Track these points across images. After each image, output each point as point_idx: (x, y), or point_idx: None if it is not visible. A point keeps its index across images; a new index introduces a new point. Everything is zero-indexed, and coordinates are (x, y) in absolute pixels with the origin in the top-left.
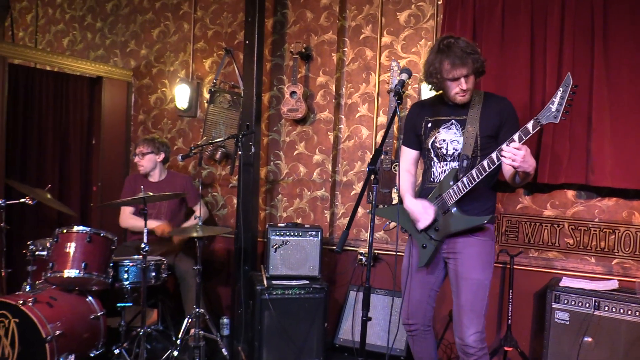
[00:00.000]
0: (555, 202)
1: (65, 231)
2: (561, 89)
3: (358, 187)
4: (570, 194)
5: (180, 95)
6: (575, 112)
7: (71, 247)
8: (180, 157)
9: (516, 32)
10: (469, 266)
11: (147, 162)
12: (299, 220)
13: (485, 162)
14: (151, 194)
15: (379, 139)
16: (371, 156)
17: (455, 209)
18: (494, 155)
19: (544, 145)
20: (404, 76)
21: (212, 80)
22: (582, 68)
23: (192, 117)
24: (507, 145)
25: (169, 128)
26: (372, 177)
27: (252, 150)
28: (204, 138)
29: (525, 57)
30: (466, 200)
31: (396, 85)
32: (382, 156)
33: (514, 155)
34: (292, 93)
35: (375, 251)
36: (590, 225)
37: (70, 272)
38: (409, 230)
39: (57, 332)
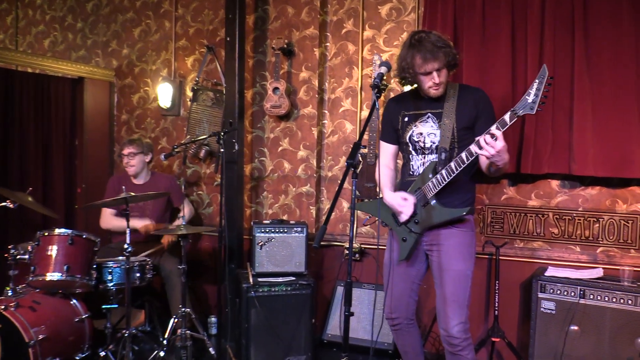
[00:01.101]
0: (540, 192)
1: (46, 234)
2: (537, 81)
3: (346, 183)
4: (554, 183)
5: (163, 94)
6: (557, 103)
7: (53, 250)
8: (163, 156)
9: (497, 24)
10: (451, 258)
11: (137, 162)
12: (284, 217)
13: (463, 155)
14: (133, 194)
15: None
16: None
17: (434, 201)
18: (472, 147)
19: (526, 136)
20: (383, 69)
21: (194, 78)
22: (563, 60)
23: (176, 116)
24: (483, 137)
25: (153, 127)
26: (352, 171)
27: (236, 147)
28: (188, 137)
29: (506, 49)
30: (445, 193)
31: (375, 78)
32: (366, 150)
33: (490, 147)
34: (275, 89)
35: (363, 246)
36: (574, 215)
37: (52, 275)
38: (389, 224)
39: (41, 337)
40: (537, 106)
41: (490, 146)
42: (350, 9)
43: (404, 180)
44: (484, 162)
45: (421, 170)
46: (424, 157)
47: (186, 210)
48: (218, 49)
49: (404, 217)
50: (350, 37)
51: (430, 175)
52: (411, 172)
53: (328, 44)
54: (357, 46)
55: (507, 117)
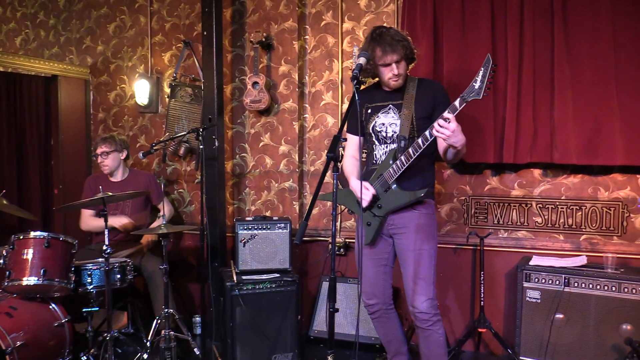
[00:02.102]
0: (523, 182)
1: (21, 237)
2: (482, 69)
3: (327, 177)
4: (537, 172)
5: (140, 91)
6: (538, 91)
7: (28, 254)
8: (141, 154)
9: (477, 13)
10: (413, 239)
11: (112, 161)
12: (268, 213)
13: (419, 140)
14: (110, 194)
15: (346, 126)
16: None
17: (395, 186)
18: (426, 132)
19: (508, 125)
20: (362, 60)
21: (172, 74)
22: (543, 47)
23: (154, 113)
24: (437, 122)
25: (131, 125)
26: (332, 164)
27: (216, 144)
28: (167, 134)
29: (486, 38)
30: (405, 177)
31: (354, 69)
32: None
33: (444, 129)
34: (254, 84)
35: (347, 240)
36: (557, 203)
37: (29, 280)
38: (355, 211)
39: (19, 343)
40: (482, 92)
41: (445, 128)
42: (329, 0)
43: (369, 169)
44: (441, 148)
45: (383, 158)
46: (387, 146)
47: (166, 209)
48: (195, 44)
49: (364, 204)
50: (330, 29)
51: (391, 162)
52: (374, 161)
53: (307, 36)
54: (336, 38)
55: (457, 102)
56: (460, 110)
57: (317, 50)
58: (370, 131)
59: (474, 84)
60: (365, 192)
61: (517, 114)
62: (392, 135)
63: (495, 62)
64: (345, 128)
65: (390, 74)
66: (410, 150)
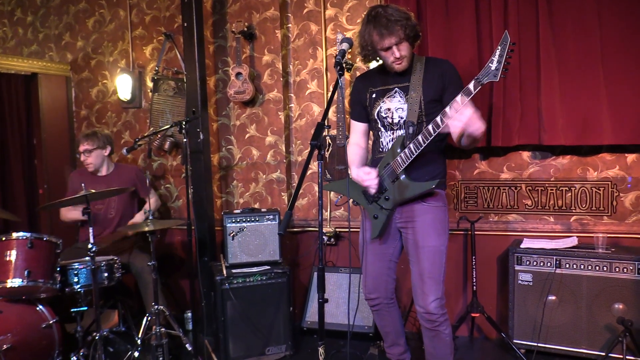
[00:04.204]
0: (512, 165)
1: (3, 239)
2: (499, 47)
3: (314, 166)
4: (526, 155)
5: (122, 86)
6: (524, 72)
7: (12, 255)
8: (124, 151)
9: None
10: (425, 234)
11: (95, 158)
12: (256, 205)
13: (430, 126)
14: (93, 191)
15: (331, 115)
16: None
17: (404, 176)
18: (438, 118)
19: (495, 108)
20: (345, 45)
21: (154, 67)
22: (527, 29)
23: (137, 108)
24: (450, 108)
25: (114, 121)
26: (316, 152)
27: (201, 137)
28: (151, 129)
29: (471, 20)
30: (415, 167)
31: (337, 55)
32: (335, 132)
33: (460, 115)
34: (238, 74)
35: (337, 229)
36: (547, 185)
37: (13, 282)
38: (361, 203)
39: (5, 346)
40: (500, 73)
41: (460, 113)
42: None
43: (375, 158)
44: (456, 133)
45: (390, 146)
46: (393, 133)
47: (152, 201)
48: (177, 36)
49: (372, 190)
50: (312, 16)
51: (399, 150)
52: (381, 149)
53: (290, 25)
54: (319, 26)
55: (471, 85)
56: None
57: (301, 38)
58: (375, 117)
59: (490, 64)
60: (369, 178)
61: (504, 97)
62: (399, 121)
63: (513, 41)
64: (329, 114)
65: (392, 57)
66: (420, 137)
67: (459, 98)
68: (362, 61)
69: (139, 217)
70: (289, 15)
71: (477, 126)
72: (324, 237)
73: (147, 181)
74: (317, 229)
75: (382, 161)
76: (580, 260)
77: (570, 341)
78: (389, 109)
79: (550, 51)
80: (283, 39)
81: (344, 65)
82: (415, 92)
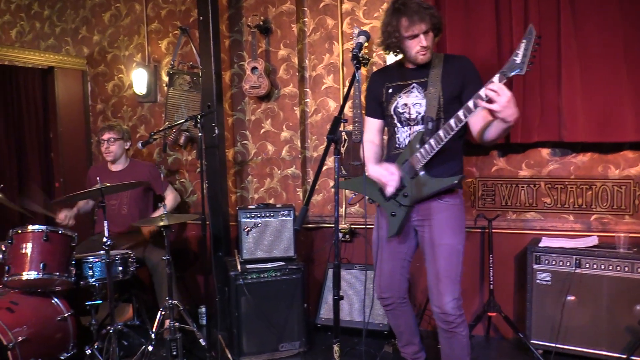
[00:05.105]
0: (531, 162)
1: (19, 231)
2: (524, 40)
3: (330, 162)
4: (545, 152)
5: (138, 80)
6: (544, 67)
7: (27, 248)
8: (140, 144)
9: None
10: (441, 232)
11: (117, 147)
12: (271, 201)
13: (452, 121)
14: (108, 184)
15: (347, 110)
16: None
17: (423, 172)
18: (460, 113)
19: None
20: (362, 39)
21: (169, 62)
22: (548, 22)
23: (153, 102)
24: (486, 90)
25: (130, 115)
26: (333, 147)
27: (216, 131)
28: (166, 123)
29: (490, 14)
30: (434, 163)
31: (354, 49)
32: (352, 128)
33: (499, 91)
34: (253, 69)
35: (353, 226)
36: (566, 183)
37: (28, 275)
38: (377, 200)
39: (20, 338)
40: (525, 66)
41: (498, 95)
42: None
43: (390, 154)
44: (478, 126)
45: (407, 142)
46: (410, 129)
47: (170, 197)
48: (192, 30)
49: (390, 190)
50: (329, 10)
51: (418, 146)
52: (397, 145)
53: (306, 19)
54: (336, 20)
55: (495, 78)
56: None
57: (317, 32)
58: (392, 113)
59: (514, 58)
60: (391, 177)
61: (523, 92)
62: (417, 116)
63: (538, 34)
64: (345, 109)
65: (418, 46)
66: (441, 132)
67: (482, 92)
68: (384, 51)
69: (157, 213)
70: (305, 9)
71: (513, 110)
72: (339, 233)
73: (162, 176)
74: (332, 226)
75: (400, 157)
76: (601, 260)
77: (589, 342)
78: (405, 104)
79: (571, 45)
80: (299, 33)
81: (360, 59)
82: (434, 88)
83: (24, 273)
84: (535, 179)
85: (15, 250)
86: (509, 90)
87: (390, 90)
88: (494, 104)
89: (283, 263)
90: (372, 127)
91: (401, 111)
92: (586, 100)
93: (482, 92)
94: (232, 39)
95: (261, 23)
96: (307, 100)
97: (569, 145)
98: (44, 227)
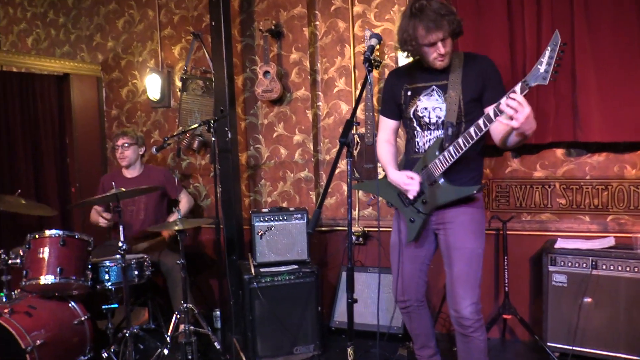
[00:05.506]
0: (545, 163)
1: (37, 236)
2: (549, 48)
3: (343, 165)
4: (560, 152)
5: (152, 85)
6: (560, 67)
7: (45, 252)
8: (154, 149)
9: None
10: (461, 236)
11: (132, 152)
12: (284, 204)
13: (472, 130)
14: (124, 189)
15: (360, 113)
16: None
17: (442, 179)
18: (480, 122)
19: (528, 103)
20: (373, 41)
21: (182, 67)
22: (562, 23)
23: (166, 108)
24: (507, 99)
25: (144, 121)
26: (345, 150)
27: (229, 135)
28: (180, 128)
29: (502, 16)
30: (453, 170)
31: (366, 52)
32: (364, 130)
33: (518, 108)
34: (266, 73)
35: (366, 229)
36: (582, 183)
37: (46, 279)
38: (395, 204)
39: (38, 342)
40: (550, 76)
41: (518, 112)
42: None
43: (409, 158)
44: (500, 133)
45: (427, 147)
46: (430, 133)
47: (184, 201)
48: (205, 36)
49: (411, 196)
50: (340, 13)
51: (437, 153)
52: (416, 149)
53: (317, 22)
54: (347, 23)
55: (517, 88)
56: None
57: (328, 36)
58: (411, 116)
59: (538, 66)
60: (412, 182)
61: (537, 93)
62: (437, 121)
63: (563, 42)
64: (358, 112)
65: (435, 53)
66: (460, 140)
67: (504, 101)
68: (408, 56)
69: (172, 218)
70: (317, 12)
71: (530, 125)
72: (353, 236)
73: (176, 180)
74: (345, 229)
75: (419, 163)
76: (618, 262)
77: (607, 345)
78: (425, 108)
79: (585, 46)
80: (310, 37)
81: (372, 61)
82: (454, 91)
83: (41, 277)
84: (550, 179)
85: (33, 255)
86: (529, 105)
87: (409, 93)
88: (512, 120)
89: (297, 266)
90: (388, 126)
91: (421, 115)
92: (601, 100)
93: (503, 104)
94: (244, 43)
95: (273, 27)
96: (319, 103)
97: (584, 145)
98: (61, 232)
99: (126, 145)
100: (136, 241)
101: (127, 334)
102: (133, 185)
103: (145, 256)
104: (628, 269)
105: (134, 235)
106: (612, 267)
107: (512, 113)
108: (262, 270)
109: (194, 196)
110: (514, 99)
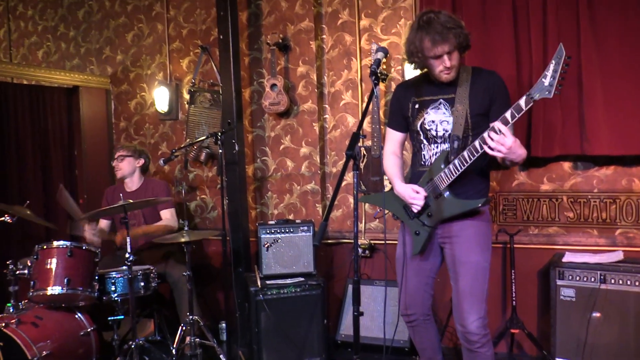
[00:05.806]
0: (552, 176)
1: (45, 247)
2: (554, 62)
3: (349, 178)
4: (567, 165)
5: (160, 98)
6: (566, 80)
7: (52, 263)
8: (161, 162)
9: (497, 3)
10: (467, 249)
11: (126, 165)
12: (291, 216)
13: (476, 143)
14: (131, 201)
15: (366, 126)
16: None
17: (447, 193)
18: (476, 143)
19: (535, 116)
20: (380, 55)
21: (190, 80)
22: (568, 35)
23: (174, 120)
24: (489, 134)
25: (152, 133)
26: (352, 162)
27: (236, 148)
28: (187, 140)
29: (508, 29)
30: (459, 183)
31: (372, 65)
32: (370, 143)
33: (499, 146)
34: (273, 86)
35: (372, 241)
36: (589, 197)
37: (53, 290)
38: (401, 217)
39: (45, 353)
40: (554, 89)
41: (500, 144)
42: None
43: (415, 171)
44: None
45: (433, 160)
46: (436, 147)
47: (164, 217)
48: (213, 49)
49: (415, 210)
50: (347, 27)
51: (442, 166)
52: (422, 162)
53: (324, 36)
54: (354, 36)
55: (522, 101)
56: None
57: (335, 49)
58: (418, 129)
59: (543, 80)
60: (417, 197)
61: (544, 106)
62: (443, 134)
63: (569, 54)
64: (364, 125)
65: (442, 66)
66: (465, 154)
67: (508, 115)
68: (415, 68)
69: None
70: (324, 26)
71: (517, 154)
72: (359, 248)
73: (170, 198)
74: (351, 241)
75: (425, 176)
76: (627, 276)
77: None
78: (432, 121)
79: (592, 59)
80: (317, 50)
81: (379, 74)
82: (462, 105)
83: (48, 288)
84: (557, 192)
85: (41, 266)
86: (511, 137)
87: (417, 106)
88: (496, 152)
89: (303, 279)
90: (395, 139)
91: (428, 128)
92: (609, 112)
93: (487, 138)
94: (252, 56)
95: (280, 41)
96: (326, 116)
97: (591, 159)
98: (68, 243)
99: (121, 158)
100: (141, 253)
101: (132, 346)
102: (132, 199)
103: (152, 267)
104: (637, 283)
105: (134, 247)
106: (620, 282)
107: (494, 146)
108: (268, 282)
109: (201, 208)
110: (492, 139)
